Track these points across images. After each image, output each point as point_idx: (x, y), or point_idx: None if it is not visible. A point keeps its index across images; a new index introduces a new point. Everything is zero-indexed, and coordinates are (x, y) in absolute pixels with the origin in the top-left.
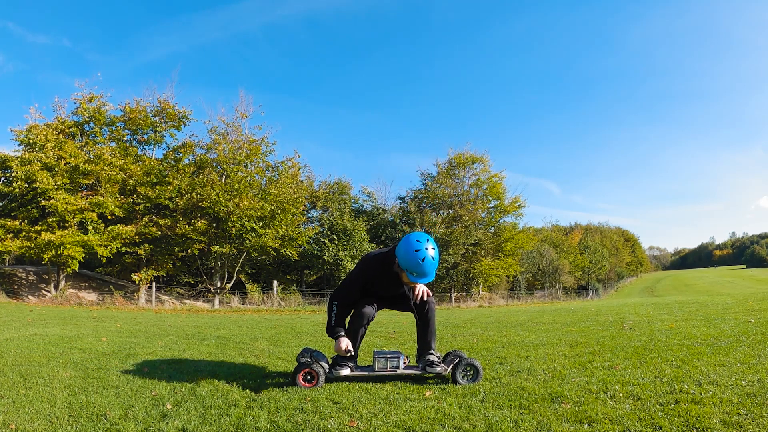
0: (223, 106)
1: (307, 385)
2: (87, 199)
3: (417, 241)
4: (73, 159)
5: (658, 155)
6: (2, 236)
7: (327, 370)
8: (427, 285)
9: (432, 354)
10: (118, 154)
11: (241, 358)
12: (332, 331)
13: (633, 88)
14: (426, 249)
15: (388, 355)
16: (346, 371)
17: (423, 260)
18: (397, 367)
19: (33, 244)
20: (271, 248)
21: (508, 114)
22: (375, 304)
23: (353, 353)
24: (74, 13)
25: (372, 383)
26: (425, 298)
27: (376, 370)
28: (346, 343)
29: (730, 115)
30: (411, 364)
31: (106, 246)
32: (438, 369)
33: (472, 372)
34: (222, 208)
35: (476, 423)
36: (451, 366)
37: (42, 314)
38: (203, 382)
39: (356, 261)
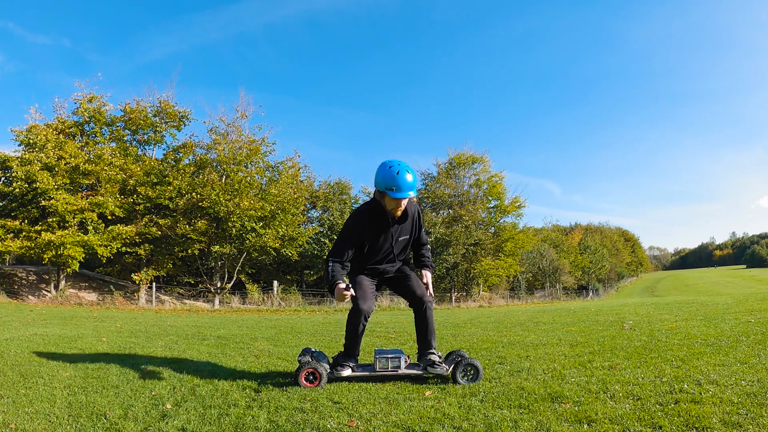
0: (224, 106)
1: (309, 385)
2: (87, 199)
3: (390, 162)
4: (73, 159)
5: (659, 155)
6: (2, 236)
7: (328, 371)
8: (425, 285)
9: (433, 354)
10: (119, 154)
11: (241, 358)
12: (331, 284)
13: (633, 88)
14: (399, 165)
15: (390, 355)
16: (347, 372)
17: (398, 173)
18: (399, 367)
19: (33, 244)
20: (272, 248)
21: (509, 114)
22: (373, 297)
23: (353, 294)
24: (74, 14)
25: (372, 383)
26: (426, 297)
27: (377, 370)
28: (344, 284)
29: (730, 115)
30: (412, 362)
31: (106, 246)
32: (440, 370)
33: (472, 372)
34: (222, 208)
35: (476, 423)
36: (452, 366)
37: (42, 314)
38: (203, 381)
39: None
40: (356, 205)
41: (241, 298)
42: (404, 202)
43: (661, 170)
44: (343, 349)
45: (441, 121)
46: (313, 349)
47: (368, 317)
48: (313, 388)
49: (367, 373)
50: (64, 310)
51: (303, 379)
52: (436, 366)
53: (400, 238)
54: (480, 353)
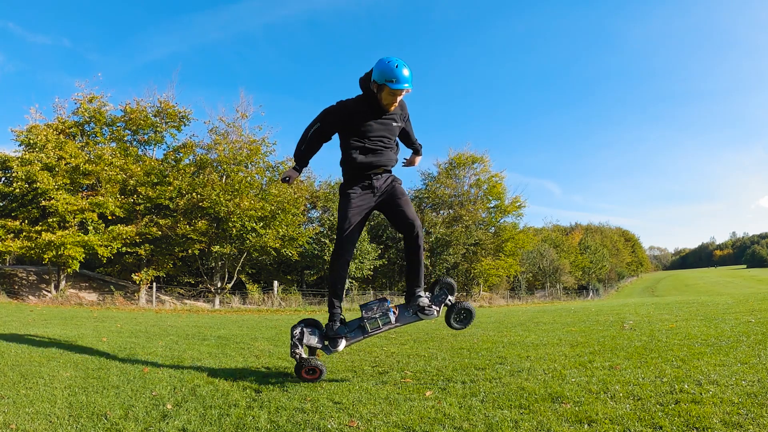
0: (224, 106)
1: (312, 377)
2: (87, 199)
3: (388, 58)
4: (73, 159)
5: (659, 155)
6: (3, 236)
7: (325, 344)
8: (412, 162)
9: (422, 296)
10: (119, 155)
11: (241, 358)
12: (295, 158)
13: (633, 88)
14: (397, 60)
15: (377, 314)
16: (341, 345)
17: (397, 66)
18: (389, 323)
19: (33, 245)
20: (272, 248)
21: (509, 114)
22: (358, 234)
23: (289, 183)
24: (74, 13)
25: (373, 384)
26: (417, 222)
27: (370, 332)
28: (292, 175)
29: (730, 115)
30: (400, 305)
31: (106, 246)
32: (431, 315)
33: (465, 314)
34: (222, 208)
35: (476, 423)
36: (441, 306)
37: (42, 314)
38: (203, 382)
39: (356, 261)
40: None
41: (242, 298)
42: (400, 97)
43: (661, 170)
44: (328, 312)
45: (441, 121)
46: (305, 324)
47: (348, 263)
48: (315, 379)
49: (361, 338)
50: (65, 310)
51: (305, 375)
52: (426, 312)
53: (394, 124)
54: (480, 353)
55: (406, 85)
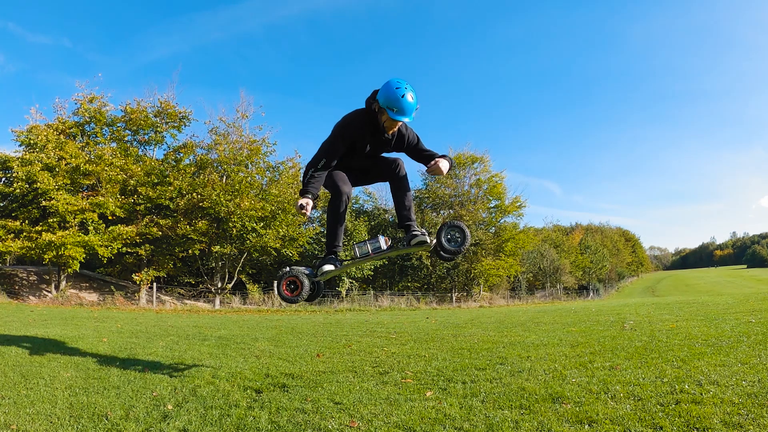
0: (224, 106)
1: (290, 294)
2: (88, 199)
3: (397, 81)
4: (73, 159)
5: (659, 155)
6: (3, 236)
7: (309, 273)
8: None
9: (416, 231)
10: (119, 155)
11: (242, 359)
12: (302, 192)
13: (633, 88)
14: (405, 89)
15: (368, 240)
16: (329, 267)
17: (402, 96)
18: (380, 249)
19: (34, 245)
20: (272, 248)
21: (509, 114)
22: (350, 183)
23: (307, 214)
24: (74, 13)
25: (374, 384)
26: (399, 159)
27: (359, 256)
28: (306, 201)
29: (730, 115)
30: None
31: (106, 246)
32: (421, 238)
33: (458, 235)
34: (223, 208)
35: (477, 423)
36: (435, 234)
37: (43, 315)
38: (204, 382)
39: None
40: (356, 206)
41: (242, 298)
42: (399, 124)
43: (661, 170)
44: (325, 250)
45: (441, 121)
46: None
47: (349, 198)
48: (294, 297)
49: (350, 261)
50: (65, 310)
51: (284, 289)
52: (418, 237)
53: (388, 147)
54: (481, 354)
55: (406, 119)
